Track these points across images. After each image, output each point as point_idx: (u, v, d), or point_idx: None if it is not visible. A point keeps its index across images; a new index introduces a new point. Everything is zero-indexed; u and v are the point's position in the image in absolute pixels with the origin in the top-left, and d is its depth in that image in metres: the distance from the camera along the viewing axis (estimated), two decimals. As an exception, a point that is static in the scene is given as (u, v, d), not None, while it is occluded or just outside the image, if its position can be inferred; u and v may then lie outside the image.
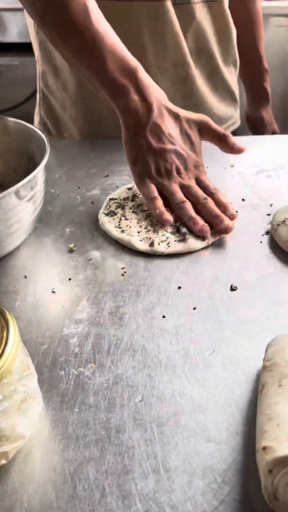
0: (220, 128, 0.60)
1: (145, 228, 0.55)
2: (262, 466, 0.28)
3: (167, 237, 0.53)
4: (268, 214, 0.58)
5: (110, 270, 0.50)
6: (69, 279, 0.49)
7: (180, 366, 0.39)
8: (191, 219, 0.54)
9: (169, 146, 0.56)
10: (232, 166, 0.70)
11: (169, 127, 0.57)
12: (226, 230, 0.54)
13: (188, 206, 0.55)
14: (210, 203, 0.56)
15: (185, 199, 0.55)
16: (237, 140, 0.59)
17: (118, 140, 0.59)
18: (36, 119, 0.89)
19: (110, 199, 0.60)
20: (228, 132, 0.60)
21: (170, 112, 0.58)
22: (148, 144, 0.56)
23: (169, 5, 0.70)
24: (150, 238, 0.53)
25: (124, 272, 0.50)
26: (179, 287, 0.48)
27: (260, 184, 0.65)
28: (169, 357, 0.40)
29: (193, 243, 0.52)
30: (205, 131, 0.59)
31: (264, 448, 0.29)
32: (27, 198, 0.48)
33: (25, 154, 0.58)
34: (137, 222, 0.56)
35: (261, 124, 1.03)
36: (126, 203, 0.59)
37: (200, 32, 0.76)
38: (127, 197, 0.60)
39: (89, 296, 0.47)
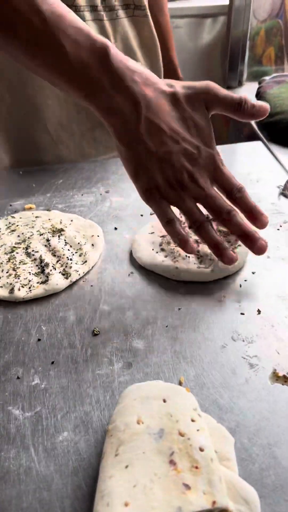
0: (232, 94, 0.47)
1: (7, 272, 0.52)
2: None
3: (29, 280, 0.50)
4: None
5: None
6: None
7: (30, 435, 0.37)
8: (216, 246, 0.46)
9: (174, 148, 0.45)
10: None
11: (168, 119, 0.45)
12: (261, 251, 0.46)
13: (209, 228, 0.46)
14: (235, 216, 0.46)
15: (203, 218, 0.46)
16: (256, 102, 0.47)
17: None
18: None
19: (-28, 243, 0.56)
20: (244, 95, 0.47)
21: (164, 94, 0.45)
22: (148, 151, 0.45)
23: (91, 22, 0.67)
24: (10, 284, 0.50)
25: (-19, 329, 0.46)
26: (39, 339, 0.45)
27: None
28: (19, 426, 0.37)
29: (55, 282, 0.50)
30: (213, 103, 0.47)
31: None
32: None
33: None
34: (-1, 267, 0.53)
35: None
36: (-11, 245, 0.56)
37: (127, 47, 0.74)
38: (-9, 238, 0.57)
39: None
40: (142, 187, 0.47)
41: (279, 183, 0.66)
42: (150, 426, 0.32)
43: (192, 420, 0.33)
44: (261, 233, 0.55)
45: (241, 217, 0.47)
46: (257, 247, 0.46)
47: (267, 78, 0.99)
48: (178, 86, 0.46)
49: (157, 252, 0.53)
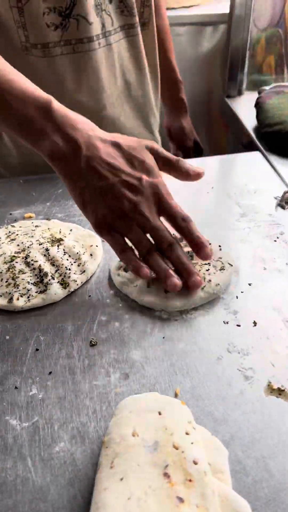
0: (169, 154, 0.51)
1: (6, 281, 0.52)
2: None
3: (28, 290, 0.51)
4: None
5: None
6: None
7: (27, 446, 0.37)
8: (161, 273, 0.47)
9: (114, 179, 0.47)
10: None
11: (108, 156, 0.48)
12: (194, 287, 0.48)
13: (156, 256, 0.48)
14: (176, 250, 0.48)
15: (150, 245, 0.48)
16: (191, 165, 0.51)
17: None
18: None
19: (-28, 252, 0.57)
20: (179, 158, 0.51)
21: (106, 141, 0.49)
22: (90, 185, 0.48)
23: (93, 51, 0.69)
24: (9, 293, 0.51)
25: (-21, 338, 0.47)
26: (37, 349, 0.46)
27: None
28: (16, 436, 0.38)
29: (53, 292, 0.50)
30: (152, 152, 0.51)
31: None
32: None
33: None
34: (-1, 276, 0.53)
35: (182, 134, 1.05)
36: (-11, 254, 0.56)
37: (127, 67, 0.76)
38: (-9, 248, 0.57)
39: None
40: (92, 221, 0.49)
41: (276, 194, 0.67)
42: (145, 439, 0.33)
43: (187, 433, 0.33)
44: (256, 244, 0.56)
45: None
46: (191, 281, 0.47)
47: (266, 88, 1.00)
48: (120, 137, 0.50)
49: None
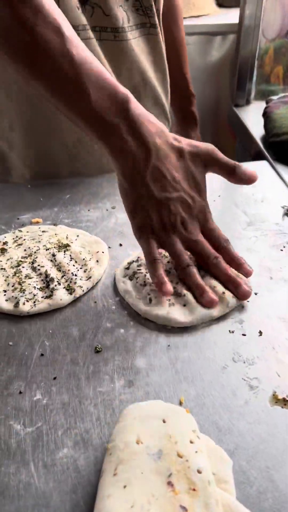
0: (228, 159, 0.52)
1: (12, 286, 0.52)
2: None
3: (34, 295, 0.51)
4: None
5: None
6: None
7: (30, 451, 0.37)
8: (198, 288, 0.49)
9: (173, 195, 0.49)
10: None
11: (172, 168, 0.49)
12: (245, 296, 0.49)
13: (194, 271, 0.50)
14: (222, 262, 0.50)
15: (190, 262, 0.50)
16: (248, 168, 0.52)
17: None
18: None
19: (-21, 256, 0.57)
20: (236, 163, 0.52)
21: (173, 148, 0.50)
22: (150, 194, 0.49)
23: (96, 44, 0.69)
24: (16, 298, 0.51)
25: (-15, 342, 0.47)
26: (42, 354, 0.46)
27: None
28: (19, 441, 0.38)
29: (59, 297, 0.51)
30: (212, 164, 0.52)
31: None
32: None
33: None
34: (5, 280, 0.53)
35: None
36: (-4, 258, 0.57)
37: (140, 68, 0.76)
38: (-2, 252, 0.58)
39: None
40: (137, 224, 0.50)
41: (283, 203, 0.67)
42: (149, 447, 0.33)
43: (191, 442, 0.33)
44: (262, 253, 0.56)
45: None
46: (241, 291, 0.49)
47: (274, 98, 1.00)
48: (185, 143, 0.51)
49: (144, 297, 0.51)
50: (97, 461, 0.36)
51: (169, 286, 0.47)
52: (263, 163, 0.79)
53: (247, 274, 0.51)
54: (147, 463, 0.32)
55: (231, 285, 0.49)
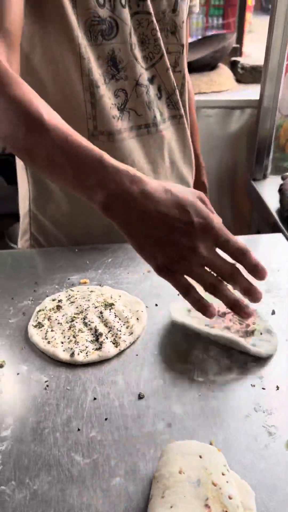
0: (212, 209, 0.54)
1: (68, 338, 0.63)
2: None
3: (86, 347, 0.61)
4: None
5: (35, 385, 0.57)
6: (-3, 396, 0.55)
7: (89, 477, 0.46)
8: (234, 303, 0.51)
9: (167, 228, 0.50)
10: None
11: (159, 205, 0.51)
12: (258, 300, 0.51)
13: (223, 288, 0.51)
14: (237, 273, 0.51)
15: (213, 280, 0.51)
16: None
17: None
18: (25, 236, 0.95)
19: (38, 311, 0.68)
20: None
21: (157, 190, 0.51)
22: (145, 235, 0.51)
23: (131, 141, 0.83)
24: (71, 349, 0.61)
25: (47, 386, 0.57)
26: (95, 398, 0.55)
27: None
28: (80, 470, 0.47)
29: (107, 350, 0.60)
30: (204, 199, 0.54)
31: None
32: None
33: None
34: (62, 333, 0.64)
35: None
36: (52, 314, 0.67)
37: (170, 154, 0.90)
38: (53, 308, 0.68)
39: (14, 413, 0.53)
40: (153, 266, 0.53)
41: (297, 273, 0.77)
42: (190, 476, 0.41)
43: (223, 474, 0.42)
44: (280, 317, 0.65)
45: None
46: (256, 297, 0.52)
47: (289, 173, 1.13)
48: (169, 185, 0.53)
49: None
50: (144, 489, 0.45)
51: (212, 308, 0.51)
52: (279, 236, 0.90)
53: (261, 276, 0.51)
54: (188, 489, 0.40)
55: (252, 293, 0.51)
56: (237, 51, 2.54)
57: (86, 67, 0.75)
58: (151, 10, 0.78)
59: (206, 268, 0.52)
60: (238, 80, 2.15)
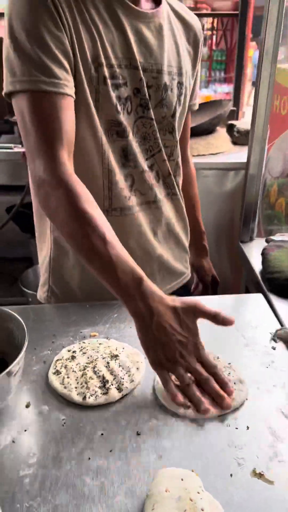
0: (211, 309, 0.75)
1: (81, 384, 0.77)
2: None
3: (96, 391, 0.76)
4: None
5: (54, 422, 0.71)
6: (25, 430, 0.70)
7: (97, 496, 0.60)
8: (197, 400, 0.71)
9: (172, 338, 0.72)
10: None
11: (170, 320, 0.73)
12: (228, 407, 0.71)
13: (193, 388, 0.72)
14: (212, 381, 0.73)
15: (189, 381, 0.72)
16: (226, 315, 0.74)
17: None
18: (44, 287, 1.10)
19: (56, 360, 0.83)
20: (218, 310, 0.75)
21: (169, 308, 0.73)
22: (156, 339, 0.73)
23: (138, 215, 1.01)
24: (83, 393, 0.75)
25: (64, 423, 0.71)
26: (102, 434, 0.69)
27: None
28: (90, 490, 0.60)
29: (112, 394, 0.75)
30: (199, 313, 0.75)
31: None
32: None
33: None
34: (76, 379, 0.78)
35: (203, 271, 1.35)
36: (68, 363, 0.82)
37: (168, 222, 1.09)
38: (68, 357, 0.83)
39: (38, 444, 0.67)
40: (151, 359, 0.74)
41: (272, 330, 0.92)
42: (173, 494, 0.55)
43: (198, 493, 0.55)
44: (253, 369, 0.80)
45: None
46: (224, 404, 0.72)
47: (274, 238, 1.30)
48: (178, 302, 0.75)
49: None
50: (139, 504, 0.58)
51: (181, 398, 0.71)
52: (259, 296, 1.06)
53: (228, 393, 0.73)
54: (171, 504, 0.54)
55: (217, 398, 0.72)
56: (235, 114, 2.78)
57: (106, 159, 0.94)
58: (153, 117, 0.97)
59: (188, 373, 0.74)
60: (234, 142, 2.36)
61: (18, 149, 2.05)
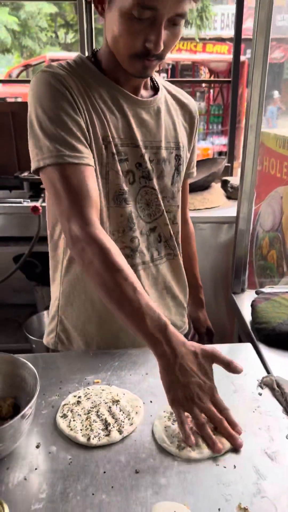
0: (226, 356, 0.85)
1: (85, 426, 0.86)
2: None
3: (99, 433, 0.84)
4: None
5: (62, 461, 0.80)
6: (35, 469, 0.78)
7: (100, 527, 0.68)
8: (210, 440, 0.79)
9: (191, 379, 0.81)
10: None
11: (190, 364, 0.82)
12: (240, 446, 0.80)
13: (207, 428, 0.80)
14: (224, 422, 0.81)
15: (204, 421, 0.80)
16: (238, 364, 0.85)
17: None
18: (51, 334, 1.20)
19: (63, 404, 0.92)
20: (231, 359, 0.85)
21: (190, 352, 0.83)
22: (177, 379, 0.81)
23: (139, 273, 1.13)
24: (88, 435, 0.84)
25: (71, 462, 0.79)
26: (104, 472, 0.77)
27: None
28: (94, 522, 0.68)
29: (113, 436, 0.83)
30: (215, 359, 0.84)
31: None
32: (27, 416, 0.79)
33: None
34: (81, 422, 0.87)
35: (198, 322, 1.46)
36: (74, 407, 0.91)
37: (166, 282, 1.20)
38: (74, 402, 0.92)
39: (47, 481, 0.75)
40: (171, 398, 0.83)
41: (259, 377, 1.01)
42: (167, 524, 0.63)
43: (189, 523, 0.64)
44: (241, 413, 0.89)
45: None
46: (237, 443, 0.81)
47: (263, 290, 1.41)
48: (198, 347, 0.85)
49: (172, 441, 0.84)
50: (137, 535, 0.66)
51: (192, 440, 0.79)
52: (248, 345, 1.16)
53: (238, 432, 0.82)
54: (165, 532, 0.62)
55: (230, 438, 0.81)
56: (229, 170, 2.96)
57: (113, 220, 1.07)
58: (156, 187, 1.12)
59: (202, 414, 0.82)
60: (228, 197, 2.53)
61: (27, 203, 2.21)
